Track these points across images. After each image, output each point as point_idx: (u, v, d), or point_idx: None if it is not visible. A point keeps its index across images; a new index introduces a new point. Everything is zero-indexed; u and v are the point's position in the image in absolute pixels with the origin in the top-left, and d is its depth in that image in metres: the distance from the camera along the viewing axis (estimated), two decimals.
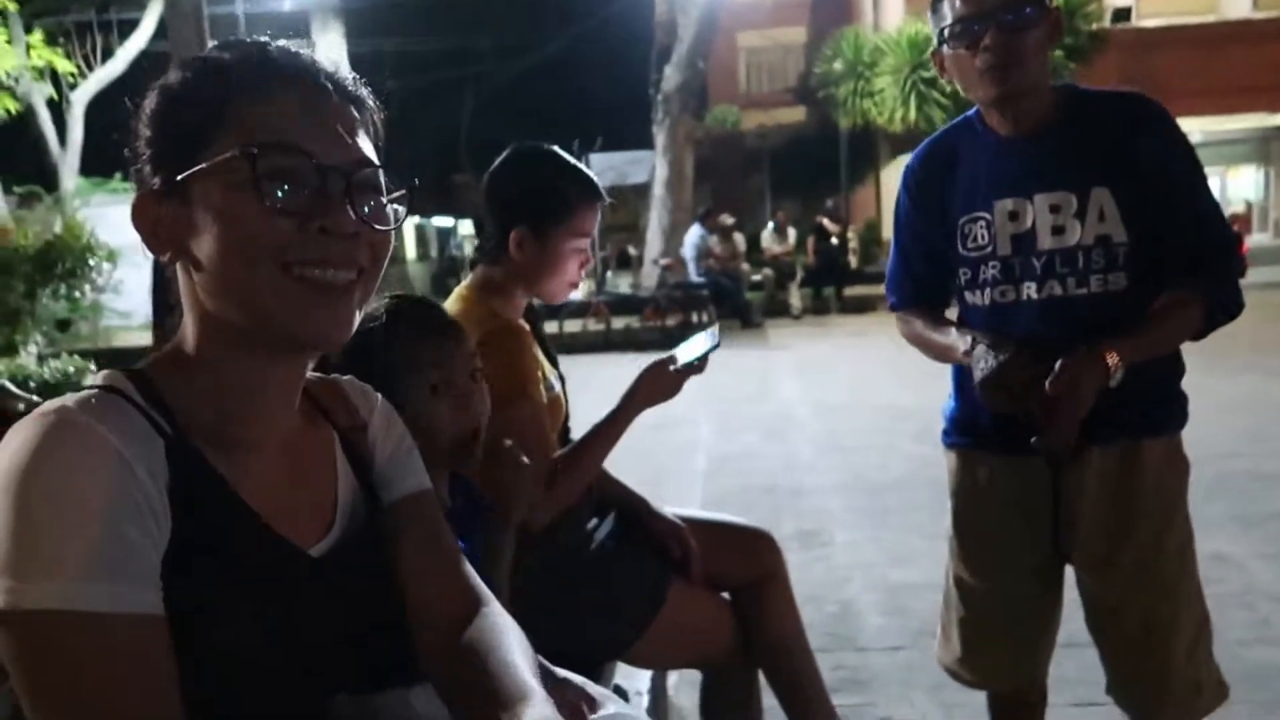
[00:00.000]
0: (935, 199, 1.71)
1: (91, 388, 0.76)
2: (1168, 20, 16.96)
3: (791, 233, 13.84)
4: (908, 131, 14.81)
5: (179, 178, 0.77)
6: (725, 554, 1.83)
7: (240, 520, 0.79)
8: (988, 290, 1.65)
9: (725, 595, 1.83)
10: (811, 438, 5.61)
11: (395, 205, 0.82)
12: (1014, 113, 1.60)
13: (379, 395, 1.00)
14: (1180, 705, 1.65)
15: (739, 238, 13.32)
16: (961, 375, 1.76)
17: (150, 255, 0.81)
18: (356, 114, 0.81)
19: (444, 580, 0.94)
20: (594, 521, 1.78)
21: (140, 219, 0.80)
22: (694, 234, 12.38)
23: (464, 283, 1.78)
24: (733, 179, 20.49)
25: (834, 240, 13.71)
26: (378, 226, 0.80)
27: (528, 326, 1.74)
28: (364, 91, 0.83)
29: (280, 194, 0.75)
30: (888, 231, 19.64)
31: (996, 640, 1.78)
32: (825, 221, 13.79)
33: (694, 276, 12.07)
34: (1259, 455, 4.64)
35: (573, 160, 1.78)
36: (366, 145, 0.81)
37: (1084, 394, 1.46)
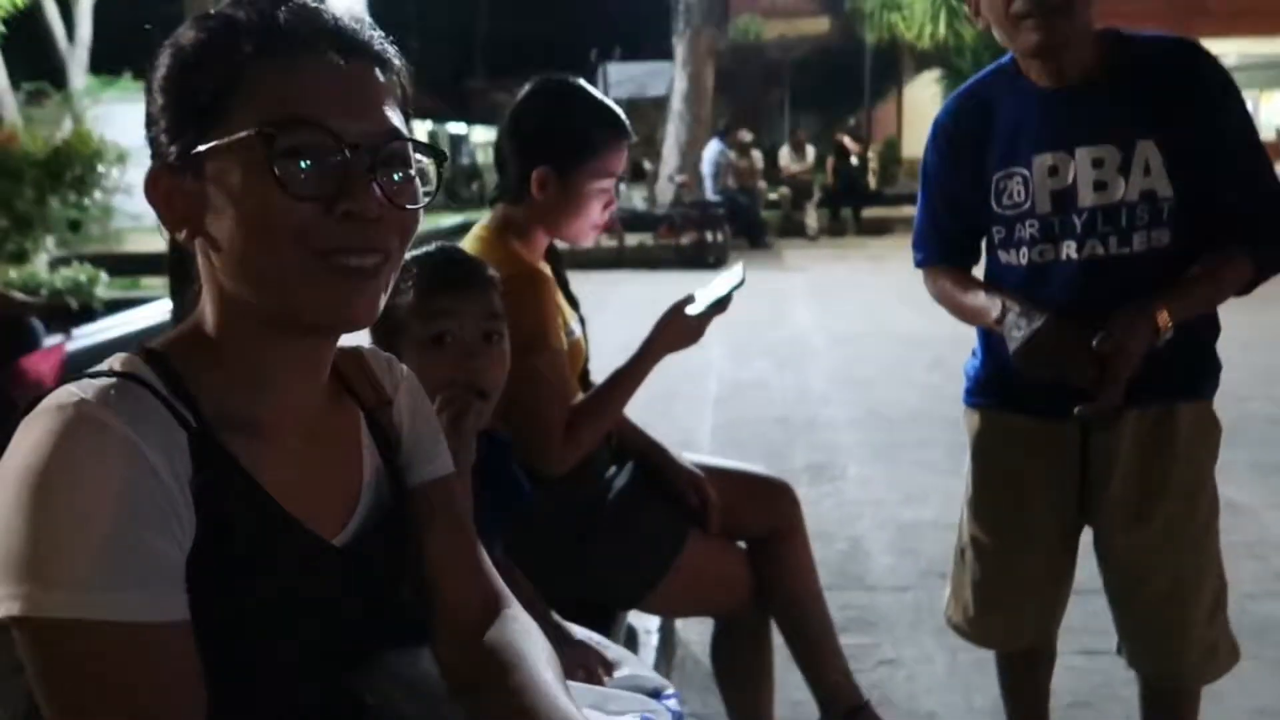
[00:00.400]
0: (968, 153, 1.62)
1: (110, 375, 0.71)
2: None
3: (810, 151, 13.56)
4: (936, 48, 14.40)
5: (193, 152, 0.72)
6: (743, 504, 1.81)
7: (263, 514, 0.76)
8: (1024, 249, 1.59)
9: (741, 545, 1.82)
10: (825, 367, 5.58)
11: (422, 178, 0.77)
12: (1055, 64, 1.50)
13: (404, 367, 0.96)
14: (1195, 668, 1.65)
15: (756, 154, 13.06)
16: (988, 336, 1.72)
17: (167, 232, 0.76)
18: (382, 77, 0.75)
19: (465, 575, 0.92)
20: (612, 470, 1.76)
21: (154, 193, 0.75)
22: (713, 150, 12.14)
23: (482, 222, 1.72)
24: (751, 93, 20.04)
25: (854, 160, 13.45)
26: (406, 206, 0.75)
27: (549, 268, 1.69)
28: (390, 50, 0.77)
29: (300, 176, 0.70)
30: (909, 150, 19.40)
31: (1011, 604, 1.77)
32: (846, 140, 13.51)
33: (710, 194, 11.88)
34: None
35: (600, 95, 1.70)
36: (394, 114, 0.75)
37: (1133, 353, 1.40)
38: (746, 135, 12.83)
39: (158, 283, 8.39)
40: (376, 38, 0.76)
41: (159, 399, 0.71)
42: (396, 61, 0.77)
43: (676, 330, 1.67)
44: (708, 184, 12.05)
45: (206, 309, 0.77)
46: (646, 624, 2.10)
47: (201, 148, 0.71)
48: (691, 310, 1.66)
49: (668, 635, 2.17)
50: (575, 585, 1.61)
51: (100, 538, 0.64)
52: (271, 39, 0.71)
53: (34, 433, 0.66)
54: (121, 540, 0.65)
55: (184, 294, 0.80)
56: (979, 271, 1.73)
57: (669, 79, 13.81)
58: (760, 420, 4.62)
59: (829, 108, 18.73)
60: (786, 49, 19.82)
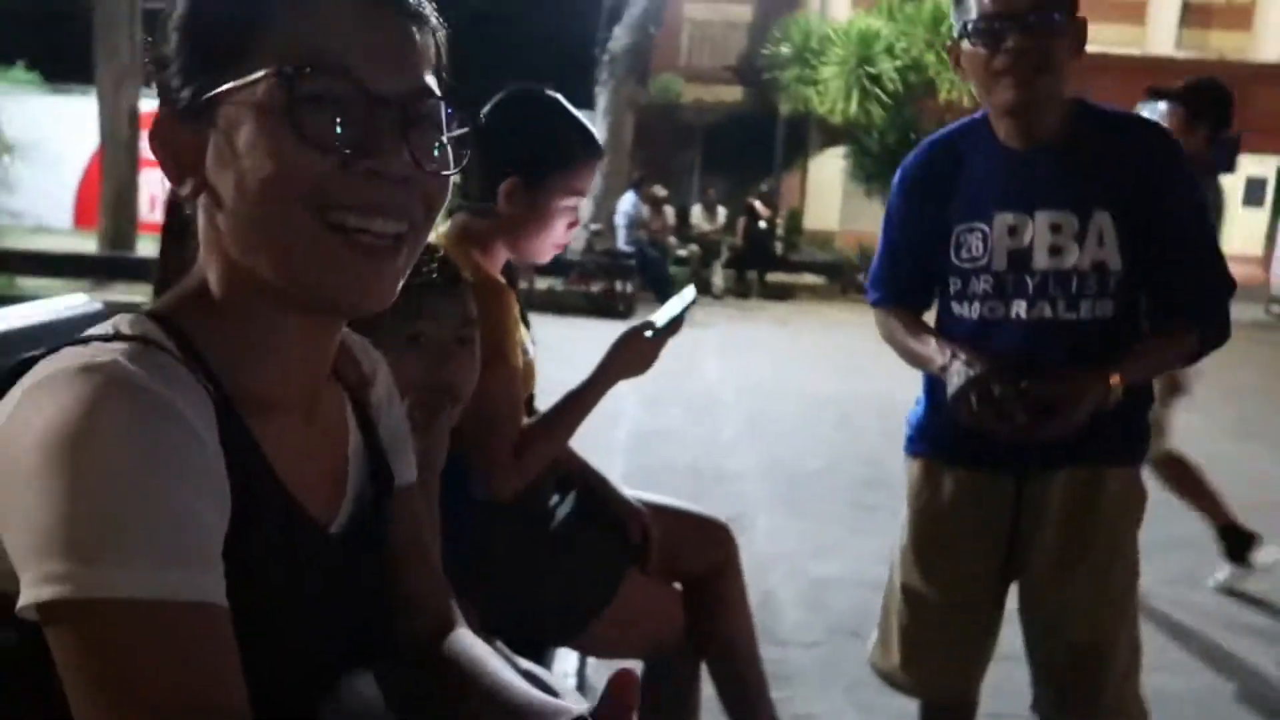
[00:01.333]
0: (933, 202, 1.66)
1: (122, 337, 0.63)
2: (1101, 48, 17.60)
3: (721, 211, 13.81)
4: (845, 124, 14.92)
5: (205, 97, 0.65)
6: (682, 543, 1.77)
7: (274, 497, 0.69)
8: (977, 303, 1.62)
9: (677, 586, 1.77)
10: (735, 419, 5.61)
11: (457, 143, 0.70)
12: (1026, 123, 1.55)
13: (379, 353, 0.89)
14: None
15: (669, 210, 13.22)
16: (932, 385, 1.74)
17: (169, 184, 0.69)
18: (417, 34, 0.68)
19: (424, 586, 0.87)
20: (556, 498, 1.69)
21: (159, 141, 0.67)
22: (628, 201, 12.25)
23: (440, 229, 1.65)
24: (665, 150, 20.37)
25: (763, 224, 13.76)
26: (438, 172, 0.68)
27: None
28: (428, 7, 0.71)
29: (322, 125, 0.63)
30: (811, 221, 19.91)
31: (941, 651, 1.77)
32: (757, 204, 13.82)
33: (622, 244, 11.95)
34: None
35: (574, 110, 1.66)
36: (428, 72, 0.69)
37: (1083, 411, 1.45)
38: (660, 190, 12.98)
39: (39, 284, 7.92)
40: None
41: (180, 365, 0.63)
42: (432, 19, 0.71)
43: (631, 354, 1.62)
44: (620, 234, 12.13)
45: (210, 274, 0.69)
46: (564, 666, 2.02)
47: (218, 89, 0.64)
48: (646, 333, 1.62)
49: (583, 679, 2.09)
50: (507, 618, 1.53)
51: (153, 507, 0.56)
52: None
53: (58, 399, 0.57)
54: (176, 510, 0.57)
55: (172, 257, 0.73)
56: (930, 318, 1.76)
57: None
58: (670, 469, 4.59)
59: (738, 172, 19.17)
60: (702, 112, 20.30)
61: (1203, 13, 22.58)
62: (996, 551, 1.70)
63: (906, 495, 1.80)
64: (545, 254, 1.64)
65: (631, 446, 4.87)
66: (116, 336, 0.63)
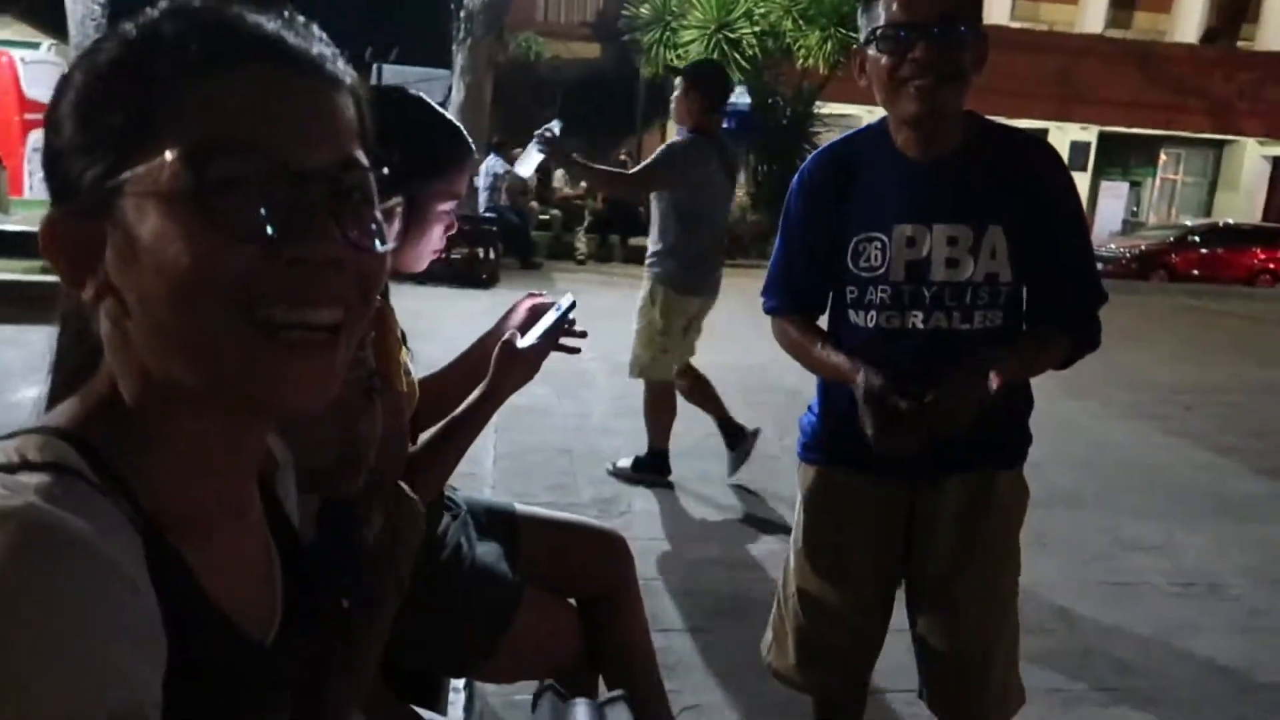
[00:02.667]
0: (832, 210, 1.66)
1: (31, 465, 0.54)
2: None
3: None
4: None
5: (104, 187, 0.56)
6: (576, 558, 1.74)
7: (211, 625, 0.62)
8: (874, 313, 1.64)
9: (572, 601, 1.74)
10: (604, 396, 5.59)
11: (388, 216, 0.63)
12: (926, 135, 1.56)
13: (279, 440, 0.81)
14: (991, 708, 1.76)
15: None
16: (828, 394, 1.76)
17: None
18: (337, 98, 0.61)
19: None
20: (445, 520, 1.62)
21: (52, 242, 0.58)
22: (489, 164, 11.97)
23: None
24: (524, 110, 20.00)
25: None
26: (371, 249, 0.61)
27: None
28: (345, 68, 0.63)
29: (239, 212, 0.55)
30: None
31: (836, 653, 1.81)
32: (626, 163, 13.78)
33: (482, 209, 11.69)
34: (1052, 468, 4.55)
35: (443, 111, 1.58)
36: (352, 141, 0.62)
37: (968, 406, 1.47)
38: (521, 152, 12.76)
39: None
40: (330, 53, 0.62)
41: (100, 493, 0.55)
42: (351, 80, 0.63)
43: (516, 368, 1.56)
44: (480, 198, 11.86)
45: (120, 381, 0.61)
46: (454, 682, 1.96)
47: (117, 179, 0.55)
48: (523, 344, 1.57)
49: (471, 694, 2.04)
50: (403, 652, 1.46)
51: (80, 674, 0.48)
52: (203, 52, 0.57)
53: None
54: (106, 675, 0.49)
55: (70, 359, 0.64)
56: (823, 323, 1.77)
57: (445, 87, 13.47)
58: (543, 449, 4.55)
59: (599, 133, 19.04)
60: (561, 69, 20.00)
61: None
62: (891, 555, 1.75)
63: (800, 500, 1.82)
64: (421, 262, 1.56)
65: (503, 427, 4.78)
66: (24, 466, 0.54)
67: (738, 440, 4.24)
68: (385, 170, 0.63)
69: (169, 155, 0.55)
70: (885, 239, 1.60)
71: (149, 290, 0.56)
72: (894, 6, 1.48)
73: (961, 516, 1.68)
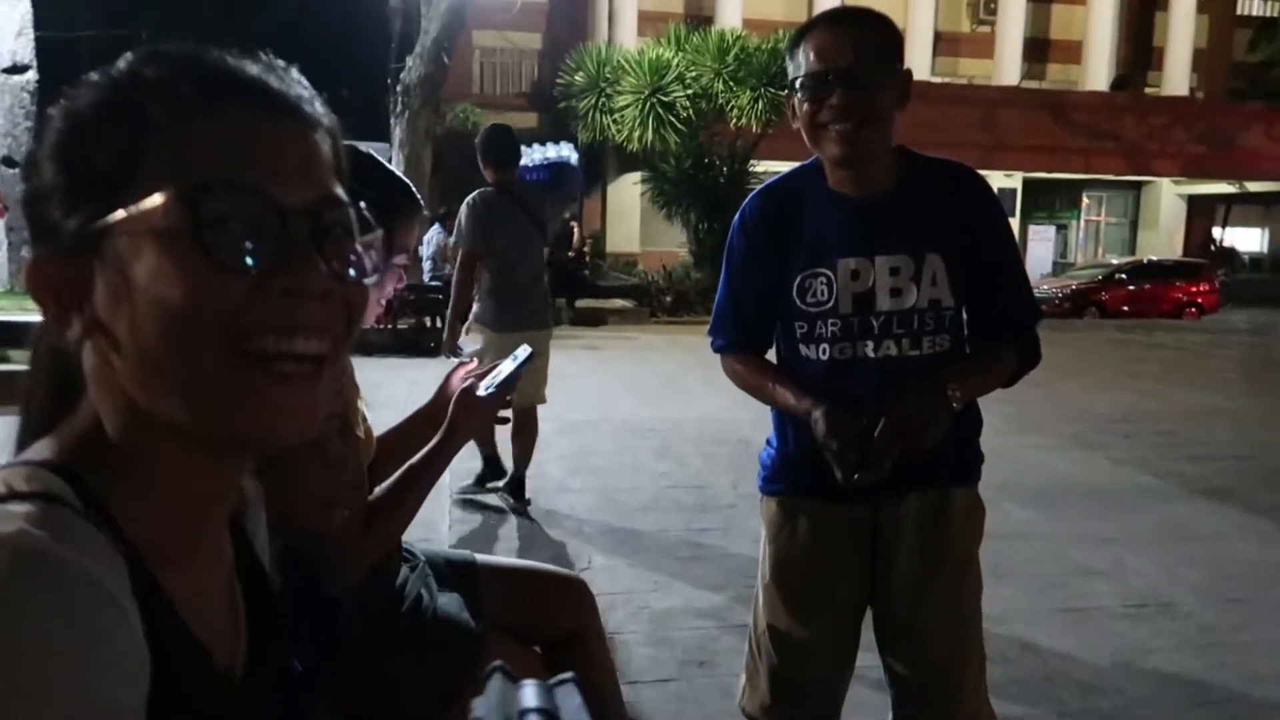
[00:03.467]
0: (775, 248, 1.71)
1: (25, 496, 0.55)
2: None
3: None
4: (643, 151, 15.30)
5: (93, 227, 0.58)
6: (539, 605, 1.73)
7: (190, 658, 0.62)
8: (825, 346, 1.68)
9: (537, 649, 1.73)
10: (560, 455, 5.58)
11: (369, 251, 0.66)
12: (856, 174, 1.63)
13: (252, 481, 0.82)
14: None
15: None
16: (784, 424, 1.78)
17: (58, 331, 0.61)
18: (315, 138, 0.65)
19: None
20: (404, 573, 1.61)
21: (40, 283, 0.60)
22: (433, 233, 12.01)
23: None
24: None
25: (571, 252, 13.87)
26: (357, 281, 0.64)
27: None
28: (322, 109, 0.66)
29: (231, 246, 0.58)
30: (613, 245, 20.27)
31: (807, 683, 1.81)
32: (575, 232, 13.93)
33: (427, 278, 11.69)
34: (1005, 500, 4.59)
35: (391, 166, 1.61)
36: (332, 178, 0.65)
37: (931, 420, 1.51)
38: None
39: None
40: (307, 95, 0.66)
41: (87, 522, 0.56)
42: (328, 121, 0.67)
43: (471, 417, 1.58)
44: (425, 268, 11.86)
45: (105, 417, 0.62)
46: None
47: (108, 219, 0.58)
48: (481, 393, 1.59)
49: None
50: (367, 706, 1.45)
51: (74, 705, 0.49)
52: (187, 95, 0.60)
53: None
54: (100, 705, 0.50)
55: (48, 396, 0.65)
56: (772, 357, 1.81)
57: (385, 160, 13.54)
58: (501, 511, 4.51)
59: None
60: None
61: (951, 42, 24.80)
62: (859, 581, 1.76)
63: (765, 534, 1.83)
64: (371, 316, 1.58)
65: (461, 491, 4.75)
66: (12, 496, 0.55)
67: (500, 476, 4.72)
68: (363, 204, 0.66)
69: (163, 195, 0.57)
70: (830, 274, 1.65)
71: (141, 325, 0.58)
72: (811, 55, 1.56)
73: (921, 533, 1.71)
